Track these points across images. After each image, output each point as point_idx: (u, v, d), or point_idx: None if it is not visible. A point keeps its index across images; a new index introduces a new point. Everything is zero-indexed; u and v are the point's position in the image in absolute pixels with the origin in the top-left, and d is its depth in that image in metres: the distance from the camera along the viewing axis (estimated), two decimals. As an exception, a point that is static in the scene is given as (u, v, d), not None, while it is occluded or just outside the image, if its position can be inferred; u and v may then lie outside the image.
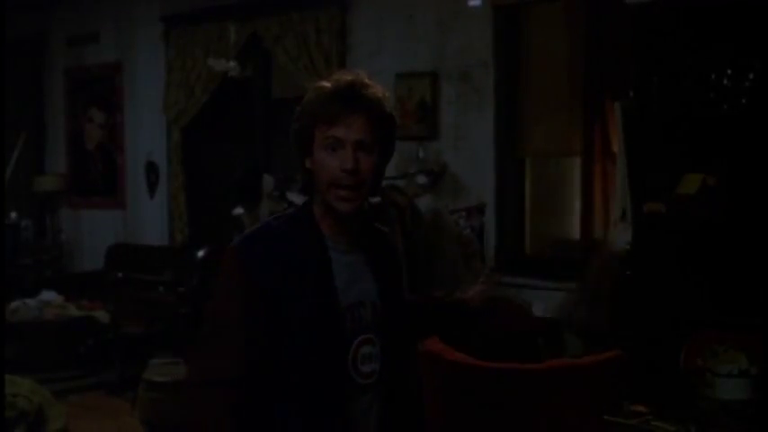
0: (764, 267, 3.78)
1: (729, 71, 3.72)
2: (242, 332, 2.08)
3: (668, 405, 3.29)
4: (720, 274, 4.03)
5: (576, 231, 5.66)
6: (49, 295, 7.80)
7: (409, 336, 2.40)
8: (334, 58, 6.73)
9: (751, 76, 3.69)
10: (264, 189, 6.32)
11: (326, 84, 2.11)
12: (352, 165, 2.07)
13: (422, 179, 6.17)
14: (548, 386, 3.69)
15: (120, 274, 7.33)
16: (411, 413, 2.36)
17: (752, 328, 3.81)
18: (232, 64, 6.98)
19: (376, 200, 5.79)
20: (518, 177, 6.12)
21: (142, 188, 8.52)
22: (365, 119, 2.07)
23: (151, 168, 8.41)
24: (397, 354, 2.23)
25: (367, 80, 2.12)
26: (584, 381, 3.68)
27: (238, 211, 6.40)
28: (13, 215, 8.79)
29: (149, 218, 8.46)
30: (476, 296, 2.58)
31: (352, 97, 2.07)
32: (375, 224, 2.38)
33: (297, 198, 4.26)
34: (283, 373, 2.10)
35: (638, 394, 3.80)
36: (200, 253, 7.01)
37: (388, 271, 2.28)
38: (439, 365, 3.87)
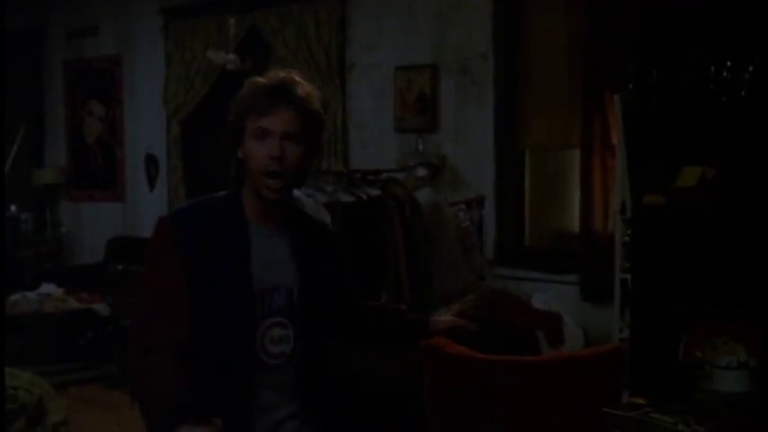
0: (763, 260, 3.78)
1: (729, 63, 3.72)
2: (175, 295, 2.25)
3: (667, 397, 3.29)
4: (719, 266, 4.04)
5: (575, 224, 5.66)
6: (48, 288, 7.80)
7: (331, 323, 2.49)
8: (334, 51, 6.73)
9: (750, 68, 3.68)
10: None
11: (260, 79, 2.31)
12: (279, 152, 2.23)
13: (421, 172, 6.17)
14: (547, 378, 3.70)
15: (119, 267, 7.32)
16: (330, 395, 2.49)
17: (751, 321, 3.82)
18: (231, 57, 6.97)
19: (376, 193, 5.80)
20: (517, 170, 6.12)
21: (142, 181, 8.52)
22: (293, 112, 2.25)
23: (151, 161, 8.41)
24: (312, 338, 2.37)
25: (298, 78, 2.31)
26: (583, 373, 3.69)
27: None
28: (13, 208, 8.79)
29: (149, 211, 8.44)
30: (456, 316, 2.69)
31: (282, 92, 2.26)
32: (308, 213, 2.55)
33: (295, 192, 4.30)
34: (198, 340, 2.25)
35: (637, 386, 3.81)
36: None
37: (314, 259, 2.40)
38: (439, 358, 3.87)
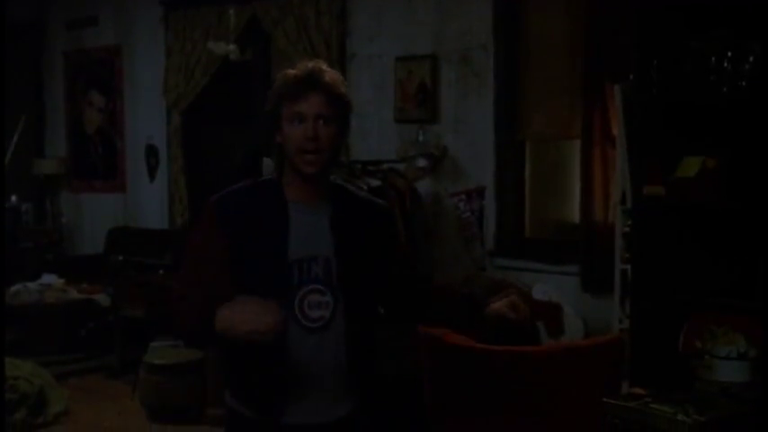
0: (763, 250, 3.79)
1: (730, 54, 3.72)
2: (213, 265, 2.52)
3: (667, 387, 3.30)
4: (719, 256, 4.04)
5: (575, 214, 5.66)
6: (49, 278, 7.81)
7: (376, 292, 2.67)
8: (334, 42, 6.72)
9: (751, 59, 3.68)
10: (264, 172, 6.32)
11: (292, 71, 2.56)
12: (313, 133, 2.48)
13: (422, 162, 6.17)
14: (547, 368, 3.71)
15: (120, 258, 7.33)
16: (370, 359, 2.68)
17: (751, 311, 3.82)
18: (232, 47, 6.97)
19: (376, 183, 5.80)
20: (518, 161, 6.12)
21: (142, 172, 8.52)
22: (323, 97, 2.50)
23: (151, 152, 8.41)
24: (352, 305, 2.56)
25: (325, 66, 2.57)
26: (583, 363, 3.70)
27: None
28: (14, 199, 8.79)
29: (149, 201, 8.46)
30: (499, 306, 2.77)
31: (313, 80, 2.51)
32: (350, 189, 2.77)
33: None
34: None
35: (637, 377, 3.82)
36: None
37: (352, 231, 2.61)
38: (439, 348, 3.88)
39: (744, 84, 3.68)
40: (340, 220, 2.60)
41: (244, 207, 2.59)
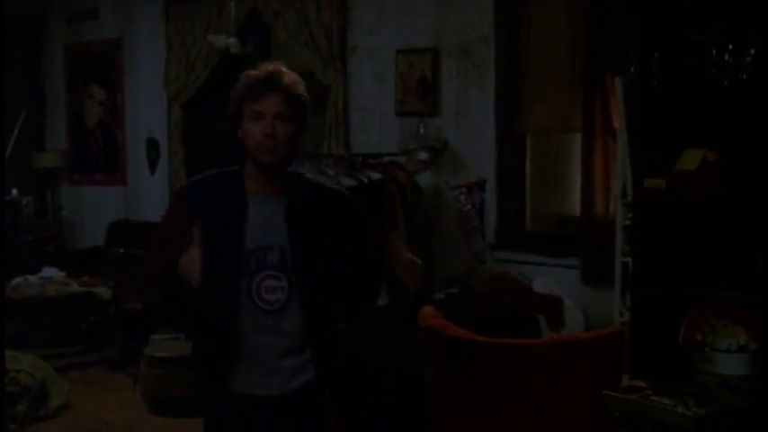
0: (764, 243, 3.79)
1: (731, 47, 3.71)
2: (174, 245, 2.69)
3: (667, 380, 3.30)
4: (720, 249, 4.04)
5: (576, 207, 5.66)
6: (50, 272, 7.81)
7: (328, 276, 2.86)
8: (335, 34, 6.72)
9: (752, 51, 3.68)
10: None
11: (253, 72, 2.77)
12: (272, 130, 2.71)
13: (422, 155, 6.16)
14: (548, 361, 3.71)
15: (121, 251, 7.33)
16: (327, 337, 2.91)
17: (751, 304, 3.82)
18: (232, 40, 6.96)
19: (377, 176, 5.80)
20: (519, 153, 6.12)
21: (143, 165, 8.52)
22: (281, 97, 2.72)
23: (152, 145, 8.41)
24: (307, 290, 2.79)
25: (284, 69, 2.78)
26: (584, 356, 3.70)
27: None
28: (14, 192, 8.79)
29: (150, 194, 8.46)
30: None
31: (272, 81, 2.73)
32: (310, 180, 3.02)
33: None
34: (201, 289, 2.65)
35: (638, 369, 3.83)
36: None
37: (308, 221, 2.81)
38: (440, 341, 3.89)
39: (745, 76, 3.68)
40: (295, 211, 2.81)
41: (208, 196, 2.83)
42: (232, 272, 2.75)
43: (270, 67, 2.78)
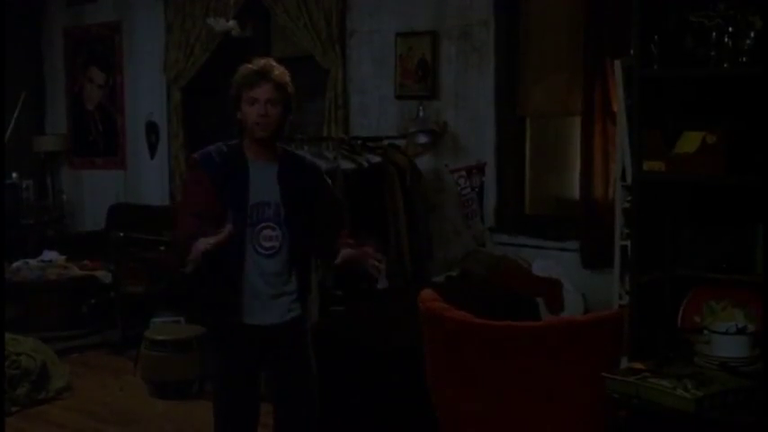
0: (763, 225, 3.79)
1: (730, 29, 3.70)
2: (204, 193, 3.46)
3: (666, 363, 3.31)
4: (719, 232, 4.05)
5: (575, 191, 5.67)
6: (50, 255, 7.83)
7: (309, 227, 3.57)
8: (334, 18, 6.71)
9: (752, 34, 3.67)
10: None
11: (250, 65, 3.53)
12: (264, 112, 3.45)
13: (422, 138, 6.17)
14: (547, 344, 3.72)
15: (121, 234, 7.33)
16: (308, 276, 3.72)
17: (750, 286, 3.83)
18: (232, 23, 6.95)
19: (376, 159, 5.80)
20: (518, 137, 6.12)
21: (142, 148, 8.52)
22: (272, 85, 3.46)
23: (151, 128, 8.41)
24: (295, 238, 3.52)
25: (274, 63, 3.55)
26: (583, 339, 3.71)
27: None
28: (14, 176, 8.78)
29: (150, 178, 8.46)
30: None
31: (264, 73, 3.48)
32: (294, 153, 3.80)
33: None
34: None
35: (637, 352, 3.83)
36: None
37: (294, 183, 3.54)
38: (439, 324, 3.89)
39: (744, 59, 3.67)
40: (285, 174, 3.54)
41: (217, 162, 3.52)
42: (241, 223, 3.41)
43: (262, 61, 3.54)
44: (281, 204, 3.50)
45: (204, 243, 3.25)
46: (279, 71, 3.51)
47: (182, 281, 6.50)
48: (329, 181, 3.85)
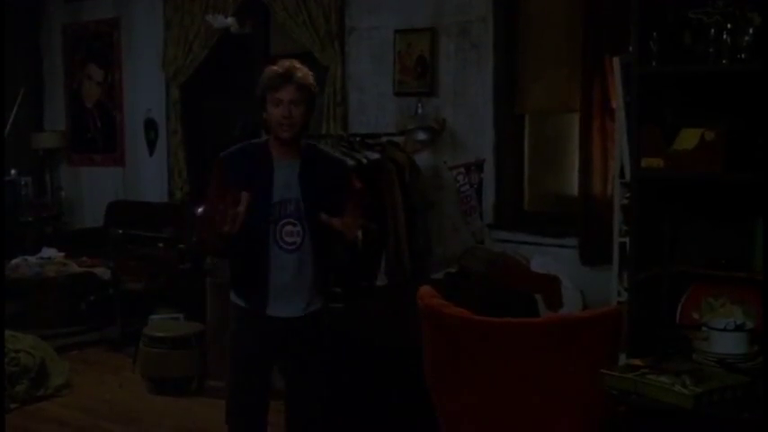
0: (761, 222, 3.80)
1: (729, 26, 3.71)
2: (222, 202, 3.45)
3: (664, 359, 3.31)
4: (717, 229, 4.05)
5: (574, 187, 5.67)
6: (49, 252, 7.83)
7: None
8: (333, 14, 6.70)
9: (751, 30, 3.67)
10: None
11: (275, 67, 3.61)
12: (288, 113, 3.56)
13: (421, 135, 6.17)
14: (545, 340, 3.72)
15: (119, 231, 7.34)
16: (328, 270, 3.81)
17: (748, 283, 3.84)
18: (230, 20, 6.95)
19: (375, 156, 5.80)
20: (517, 133, 6.12)
21: (141, 145, 8.51)
22: (295, 87, 3.56)
23: (150, 125, 8.41)
24: (315, 234, 3.61)
25: (297, 65, 3.62)
26: (581, 335, 3.71)
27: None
28: (13, 172, 8.78)
29: (149, 175, 8.46)
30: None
31: (288, 75, 3.57)
32: (320, 149, 3.89)
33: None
34: (238, 239, 3.48)
35: (635, 348, 3.84)
36: (200, 209, 7.01)
37: (315, 181, 3.65)
38: (438, 320, 3.89)
39: (743, 56, 3.68)
40: (306, 173, 3.66)
41: (244, 161, 3.69)
42: (263, 220, 3.58)
43: (287, 63, 3.61)
44: (301, 201, 3.62)
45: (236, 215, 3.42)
46: (302, 73, 3.61)
47: (181, 277, 6.53)
48: (351, 175, 3.95)
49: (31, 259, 7.64)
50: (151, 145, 8.43)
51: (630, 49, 4.08)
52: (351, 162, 4.71)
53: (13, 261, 7.48)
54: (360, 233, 3.61)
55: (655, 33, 3.88)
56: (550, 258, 5.59)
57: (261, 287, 3.65)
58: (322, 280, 3.75)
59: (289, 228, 3.62)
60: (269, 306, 3.67)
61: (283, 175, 3.63)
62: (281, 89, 3.55)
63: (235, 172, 3.64)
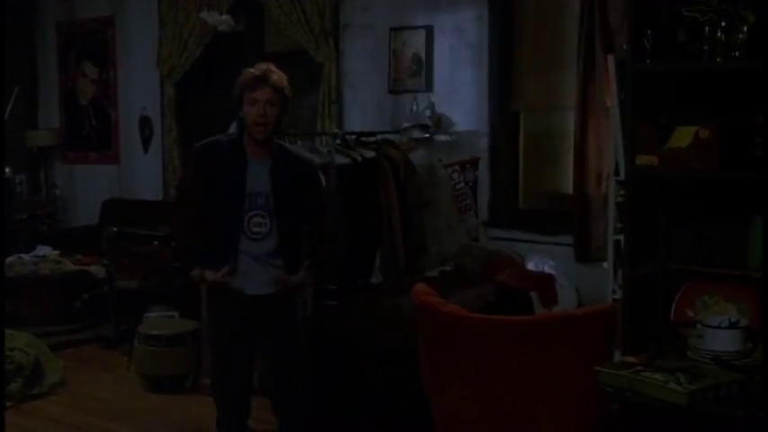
0: (763, 220, 3.80)
1: (723, 24, 3.72)
2: (195, 190, 3.99)
3: (659, 356, 3.32)
4: (711, 226, 4.06)
5: (569, 185, 5.68)
6: (44, 250, 7.81)
7: (295, 217, 4.03)
8: (328, 12, 6.70)
9: (745, 28, 3.68)
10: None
11: (252, 70, 3.91)
12: (263, 112, 3.87)
13: (416, 133, 6.17)
14: (540, 337, 3.73)
15: (114, 229, 7.32)
16: (294, 259, 4.08)
17: (742, 280, 3.85)
18: (225, 17, 6.94)
19: (370, 154, 5.80)
20: (512, 131, 6.13)
21: (136, 143, 8.50)
22: (271, 88, 3.87)
23: (145, 123, 8.40)
24: (282, 225, 3.96)
25: (273, 68, 3.93)
26: (576, 332, 3.72)
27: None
28: (7, 170, 8.75)
29: (143, 173, 8.45)
30: None
31: (264, 77, 3.87)
32: (289, 149, 4.19)
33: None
34: (212, 220, 3.95)
35: (630, 346, 3.85)
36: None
37: (284, 177, 3.96)
38: (433, 317, 3.90)
39: (737, 53, 3.69)
40: (276, 169, 3.95)
41: (217, 154, 3.98)
42: (237, 210, 3.89)
43: (263, 66, 3.92)
44: (271, 195, 3.92)
45: (210, 275, 3.95)
46: (277, 76, 3.90)
47: (176, 274, 6.52)
48: (322, 178, 4.39)
49: (26, 257, 7.63)
50: (146, 143, 8.42)
51: (625, 46, 4.09)
52: (318, 161, 4.85)
53: (8, 259, 7.46)
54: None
55: (649, 31, 3.89)
56: (545, 256, 5.60)
57: (233, 270, 3.95)
58: (288, 265, 4.04)
59: (257, 219, 3.93)
60: (246, 286, 3.98)
61: (255, 171, 3.92)
62: (258, 89, 3.85)
63: (209, 162, 3.97)
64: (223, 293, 4.02)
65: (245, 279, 3.97)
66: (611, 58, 4.68)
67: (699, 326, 3.44)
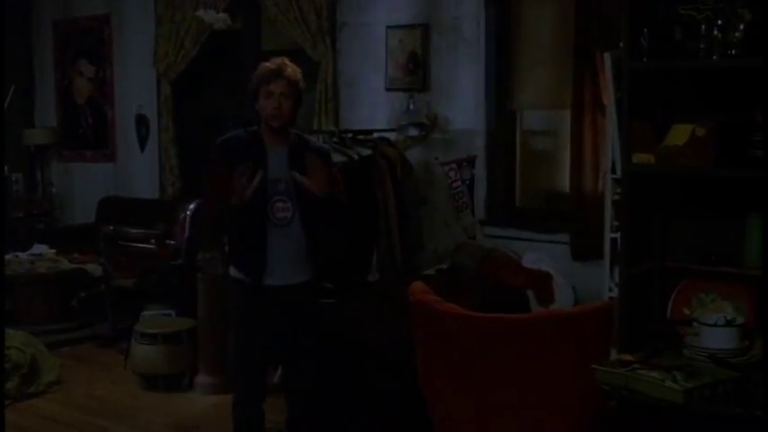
0: (763, 218, 3.81)
1: (719, 22, 3.72)
2: (221, 182, 3.98)
3: (655, 354, 3.32)
4: (708, 224, 4.07)
5: (565, 183, 5.68)
6: (40, 248, 7.81)
7: (316, 203, 4.06)
8: (325, 10, 6.69)
9: (741, 27, 3.69)
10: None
11: (268, 64, 4.06)
12: (278, 105, 4.02)
13: (412, 131, 6.17)
14: (537, 336, 3.73)
15: (111, 228, 7.32)
16: (316, 243, 4.18)
17: (738, 278, 3.85)
18: (222, 16, 6.93)
19: (367, 152, 5.80)
20: (508, 130, 6.13)
21: (133, 141, 8.49)
22: (285, 81, 4.01)
23: (141, 122, 8.38)
24: (304, 210, 4.08)
25: (288, 62, 4.07)
26: (573, 330, 3.72)
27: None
28: (4, 169, 8.75)
29: (140, 171, 8.44)
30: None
31: (279, 71, 4.01)
32: (305, 138, 4.32)
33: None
34: (237, 210, 3.97)
35: (626, 343, 3.85)
36: (191, 206, 7.01)
37: (301, 164, 4.04)
38: (429, 315, 3.90)
39: (734, 52, 3.69)
40: (294, 157, 4.09)
41: (240, 145, 4.10)
42: (261, 197, 3.99)
43: (278, 61, 4.05)
44: (290, 182, 4.05)
45: (245, 186, 3.93)
46: (291, 69, 4.04)
47: (173, 273, 6.52)
48: (331, 161, 4.45)
49: (23, 256, 7.62)
50: (142, 141, 8.41)
51: (621, 45, 4.09)
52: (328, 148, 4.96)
53: (5, 257, 7.45)
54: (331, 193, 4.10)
55: (645, 29, 3.90)
56: (542, 254, 5.60)
57: (257, 259, 4.07)
58: (312, 254, 4.16)
59: (280, 204, 4.05)
60: (264, 276, 4.08)
61: (275, 159, 4.06)
62: (273, 83, 3.98)
63: (233, 155, 4.04)
64: (245, 285, 4.13)
65: (269, 270, 4.08)
66: (607, 56, 4.68)
67: (695, 324, 3.44)
